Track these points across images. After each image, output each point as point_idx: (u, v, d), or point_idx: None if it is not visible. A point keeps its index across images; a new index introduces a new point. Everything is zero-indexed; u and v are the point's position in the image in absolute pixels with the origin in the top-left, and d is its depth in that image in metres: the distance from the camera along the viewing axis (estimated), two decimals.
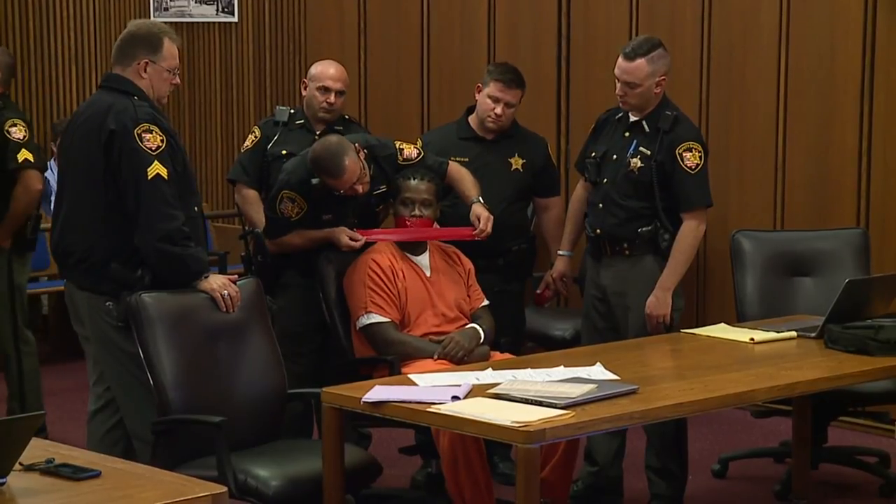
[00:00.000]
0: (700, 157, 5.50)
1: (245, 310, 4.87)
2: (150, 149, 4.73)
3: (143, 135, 4.74)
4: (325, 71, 6.16)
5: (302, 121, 6.18)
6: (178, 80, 5.03)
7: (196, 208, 4.96)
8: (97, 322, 4.85)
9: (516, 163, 6.06)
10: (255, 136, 6.22)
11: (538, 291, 6.07)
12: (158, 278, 4.77)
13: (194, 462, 4.52)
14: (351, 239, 5.54)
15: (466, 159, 6.02)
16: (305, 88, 6.21)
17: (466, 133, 6.09)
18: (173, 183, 4.77)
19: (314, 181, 5.51)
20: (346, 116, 6.29)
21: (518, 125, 6.17)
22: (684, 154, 5.49)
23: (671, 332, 5.46)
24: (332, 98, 6.09)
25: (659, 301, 5.47)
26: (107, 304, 4.80)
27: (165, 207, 4.72)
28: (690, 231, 5.49)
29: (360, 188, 5.51)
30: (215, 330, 4.79)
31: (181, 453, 4.57)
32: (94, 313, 4.85)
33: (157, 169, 4.72)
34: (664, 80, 5.54)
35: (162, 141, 4.76)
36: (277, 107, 6.44)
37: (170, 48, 4.94)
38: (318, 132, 6.13)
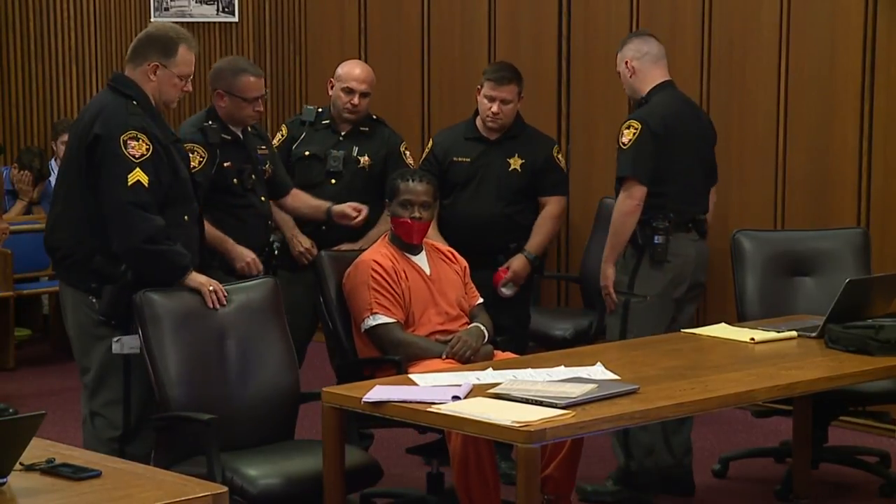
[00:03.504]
0: (634, 134, 5.61)
1: (260, 309, 4.89)
2: (134, 156, 4.71)
3: (129, 142, 4.71)
4: (351, 72, 6.17)
5: (328, 121, 6.20)
6: (190, 88, 4.99)
7: (186, 217, 4.91)
8: (78, 315, 4.86)
9: (515, 163, 6.10)
10: (282, 135, 6.27)
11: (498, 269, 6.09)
12: (142, 275, 4.76)
13: (190, 460, 4.53)
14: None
15: (468, 159, 6.11)
16: (332, 88, 6.21)
17: (472, 133, 6.18)
18: (153, 192, 4.73)
19: (206, 123, 5.61)
20: (374, 116, 6.29)
21: (525, 125, 6.22)
22: (623, 130, 5.65)
23: (628, 313, 5.64)
24: (355, 100, 6.10)
25: (601, 273, 5.70)
26: (90, 298, 4.80)
27: (145, 212, 4.70)
28: (618, 203, 5.65)
29: (260, 109, 5.69)
30: (227, 329, 4.81)
31: (182, 450, 4.59)
32: (76, 306, 4.86)
33: (137, 176, 4.70)
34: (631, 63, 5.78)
35: (147, 149, 4.73)
36: (305, 106, 6.46)
37: (185, 55, 4.89)
38: (343, 133, 6.16)
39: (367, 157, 6.11)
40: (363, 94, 6.12)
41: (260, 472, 4.47)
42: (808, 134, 6.93)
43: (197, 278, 4.81)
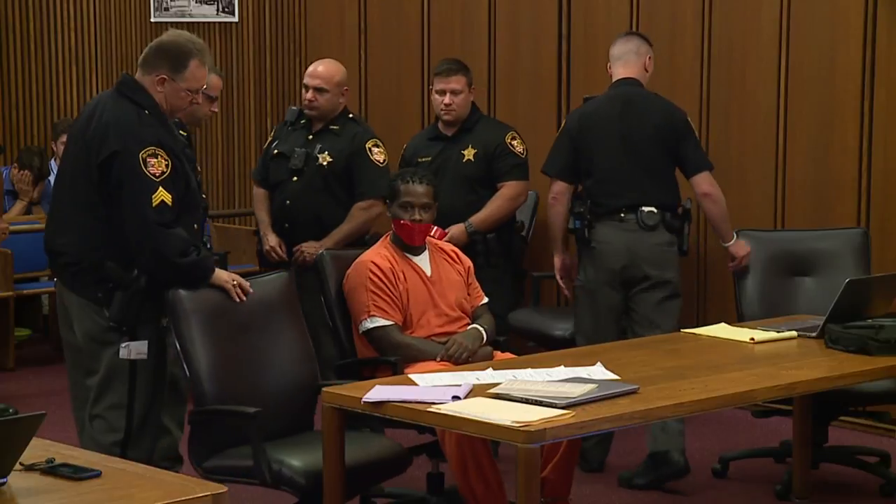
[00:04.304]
0: (558, 132, 6.08)
1: (277, 303, 4.95)
2: (155, 175, 4.65)
3: (149, 159, 4.65)
4: (311, 69, 6.35)
5: (304, 120, 6.28)
6: (200, 100, 4.95)
7: (195, 225, 4.91)
8: (84, 322, 4.81)
9: (468, 154, 6.34)
10: (270, 136, 6.51)
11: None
12: (155, 280, 4.75)
13: (229, 452, 4.60)
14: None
15: (429, 158, 6.37)
16: None
17: (434, 134, 6.48)
18: (175, 208, 4.71)
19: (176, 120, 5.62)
20: (351, 115, 6.35)
21: (482, 117, 6.53)
22: None
23: (576, 297, 6.07)
24: (310, 94, 6.28)
25: None
26: (98, 306, 4.78)
27: (171, 229, 4.69)
28: None
29: (216, 109, 5.85)
30: (248, 323, 4.85)
31: (212, 444, 4.66)
32: (82, 313, 4.81)
33: (161, 196, 4.65)
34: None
35: (167, 166, 4.67)
36: (290, 107, 6.60)
37: (195, 70, 4.79)
38: (314, 130, 6.24)
39: (327, 155, 6.20)
40: (318, 90, 6.25)
41: (303, 463, 4.51)
42: (808, 134, 6.93)
43: (220, 276, 4.81)
